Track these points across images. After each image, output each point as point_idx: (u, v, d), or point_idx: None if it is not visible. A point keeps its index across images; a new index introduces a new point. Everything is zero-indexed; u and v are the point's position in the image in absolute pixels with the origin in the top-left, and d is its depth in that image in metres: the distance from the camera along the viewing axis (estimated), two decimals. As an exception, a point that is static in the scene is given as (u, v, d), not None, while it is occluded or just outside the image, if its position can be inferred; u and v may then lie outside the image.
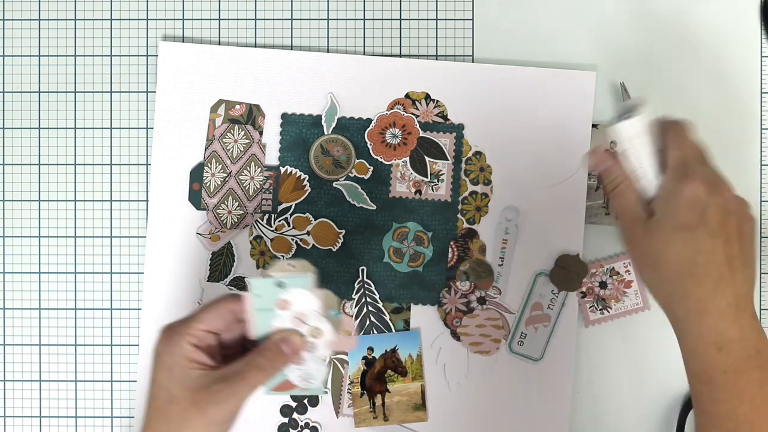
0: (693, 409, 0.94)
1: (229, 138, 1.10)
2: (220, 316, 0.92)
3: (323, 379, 0.94)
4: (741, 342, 0.90)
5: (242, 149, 1.10)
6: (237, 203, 1.10)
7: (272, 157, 1.11)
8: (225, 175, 1.10)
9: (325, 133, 1.10)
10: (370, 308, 1.11)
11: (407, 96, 1.10)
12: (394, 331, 1.11)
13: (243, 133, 1.10)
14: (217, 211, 1.11)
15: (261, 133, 1.10)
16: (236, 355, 0.93)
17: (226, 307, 0.92)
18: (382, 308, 1.11)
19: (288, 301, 0.92)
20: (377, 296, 1.10)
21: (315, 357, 0.93)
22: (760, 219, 1.12)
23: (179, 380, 0.91)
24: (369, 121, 1.11)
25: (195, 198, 1.11)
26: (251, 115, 1.10)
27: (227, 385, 0.90)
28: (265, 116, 1.10)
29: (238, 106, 1.10)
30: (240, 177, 1.10)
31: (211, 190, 1.11)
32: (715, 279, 0.89)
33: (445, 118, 1.10)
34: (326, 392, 1.08)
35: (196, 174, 1.10)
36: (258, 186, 1.10)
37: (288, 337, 0.92)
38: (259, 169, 1.10)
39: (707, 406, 0.92)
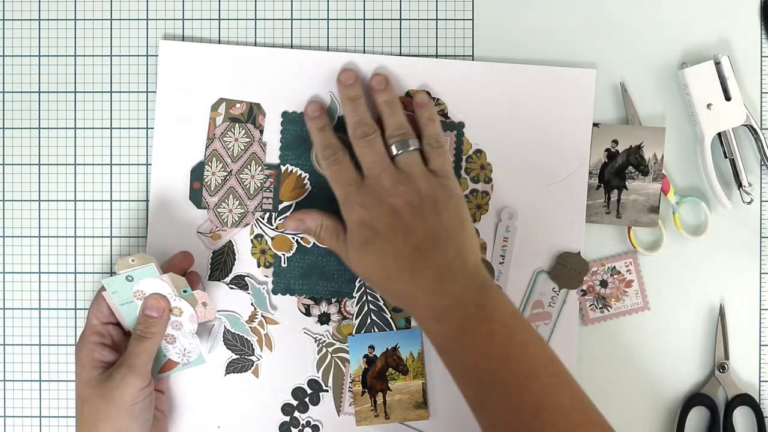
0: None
1: (230, 137, 1.10)
2: (100, 302, 1.04)
3: (198, 351, 1.06)
4: (457, 306, 0.96)
5: (243, 148, 1.10)
6: (238, 202, 1.10)
7: (273, 155, 1.11)
8: (226, 173, 1.10)
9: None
10: (371, 306, 1.11)
11: (407, 94, 1.10)
12: (395, 329, 1.11)
13: (243, 131, 1.10)
14: (218, 209, 1.11)
15: (261, 132, 1.10)
16: None
17: (102, 293, 1.04)
18: (383, 306, 1.11)
19: (142, 290, 1.02)
20: (378, 294, 1.10)
21: (184, 333, 1.05)
22: (760, 219, 1.12)
23: (87, 382, 1.02)
24: (369, 119, 1.11)
25: (196, 197, 1.11)
26: (252, 114, 1.10)
27: (121, 366, 1.01)
28: (266, 115, 1.10)
29: (238, 105, 1.10)
30: (241, 176, 1.10)
31: (212, 189, 1.11)
32: (409, 270, 0.98)
33: (445, 116, 1.10)
34: (205, 363, 1.09)
35: (197, 173, 1.10)
36: (258, 185, 1.10)
37: (148, 302, 1.03)
38: (260, 167, 1.10)
39: (453, 371, 0.98)
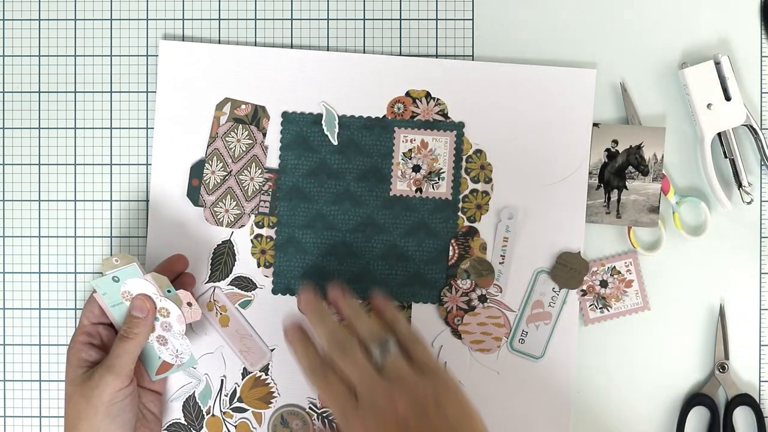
0: None
1: (232, 137, 1.10)
2: (92, 302, 1.05)
3: (189, 352, 1.06)
4: None
5: (244, 149, 1.10)
6: (235, 203, 1.10)
7: (273, 155, 1.11)
8: (225, 173, 1.10)
9: (333, 142, 1.10)
10: None
11: (408, 94, 1.10)
12: None
13: (246, 133, 1.10)
14: (215, 208, 1.11)
15: (264, 135, 1.10)
16: None
17: (94, 294, 1.05)
18: None
19: (129, 291, 1.02)
20: None
21: (174, 334, 1.04)
22: (760, 219, 1.12)
23: (71, 381, 1.02)
24: (369, 119, 1.11)
25: (193, 194, 1.11)
26: (256, 116, 1.10)
27: (101, 367, 1.01)
28: (270, 118, 1.10)
29: (243, 106, 1.10)
30: (240, 177, 1.10)
31: (210, 188, 1.11)
32: None
33: (445, 116, 1.10)
34: (197, 364, 1.11)
35: (197, 170, 1.10)
36: (257, 187, 1.10)
37: (134, 303, 1.03)
38: (260, 170, 1.10)
39: None
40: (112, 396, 1.00)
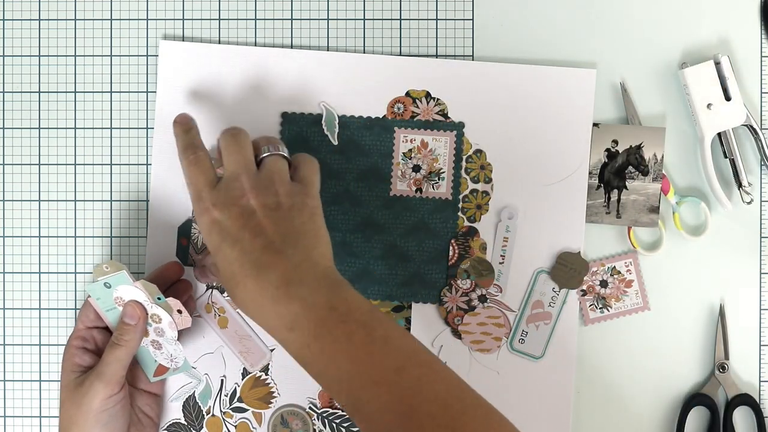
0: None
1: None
2: (87, 307, 1.05)
3: (183, 357, 1.05)
4: (307, 312, 0.91)
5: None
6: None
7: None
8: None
9: (333, 142, 1.10)
10: None
11: (407, 94, 1.10)
12: None
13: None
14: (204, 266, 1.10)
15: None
16: None
17: (89, 299, 1.05)
18: None
19: (121, 297, 1.02)
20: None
21: (167, 339, 1.04)
22: (760, 219, 1.12)
23: (65, 386, 1.03)
24: (369, 119, 1.11)
25: (182, 253, 1.12)
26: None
27: (91, 374, 1.01)
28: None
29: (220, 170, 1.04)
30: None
31: (199, 247, 1.11)
32: (253, 276, 0.92)
33: (445, 116, 1.10)
34: (194, 368, 1.11)
35: (185, 229, 1.10)
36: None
37: (126, 309, 1.02)
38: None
39: (320, 380, 0.93)
40: (102, 403, 1.00)
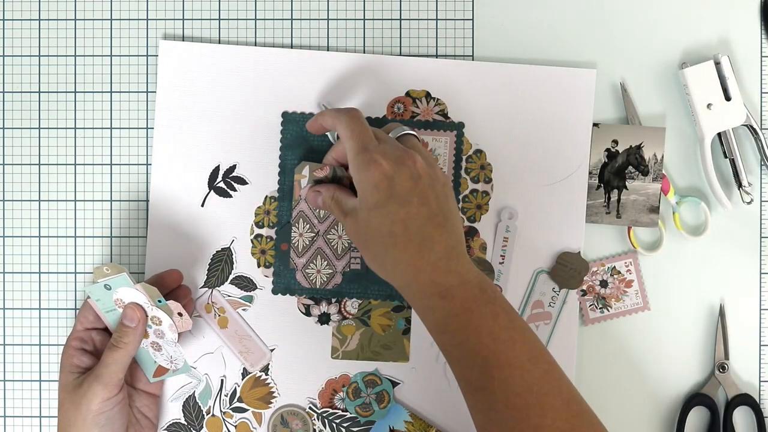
0: (450, 365, 0.97)
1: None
2: (87, 308, 1.05)
3: (183, 360, 1.05)
4: (462, 286, 0.95)
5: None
6: (326, 262, 1.09)
7: (273, 156, 1.11)
8: (313, 234, 1.09)
9: (333, 142, 1.10)
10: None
11: (407, 94, 1.10)
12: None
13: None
14: (306, 270, 1.10)
15: None
16: None
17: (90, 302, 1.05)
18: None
19: (121, 299, 1.02)
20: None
21: (167, 341, 1.04)
22: (760, 219, 1.12)
23: (63, 387, 1.03)
24: (369, 119, 1.11)
25: (284, 258, 1.11)
26: (336, 175, 1.06)
27: (90, 375, 1.01)
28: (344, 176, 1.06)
29: (320, 169, 1.05)
30: (328, 236, 1.09)
31: (300, 250, 1.10)
32: (418, 241, 0.95)
33: (445, 116, 1.10)
34: (194, 368, 1.12)
35: (284, 233, 1.09)
36: (346, 245, 1.10)
37: (125, 312, 1.02)
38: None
39: (454, 352, 0.96)
40: (100, 405, 1.00)
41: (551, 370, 0.94)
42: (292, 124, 1.11)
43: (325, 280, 1.10)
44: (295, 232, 1.09)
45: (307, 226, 1.08)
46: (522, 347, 0.93)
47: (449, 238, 0.96)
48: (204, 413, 1.12)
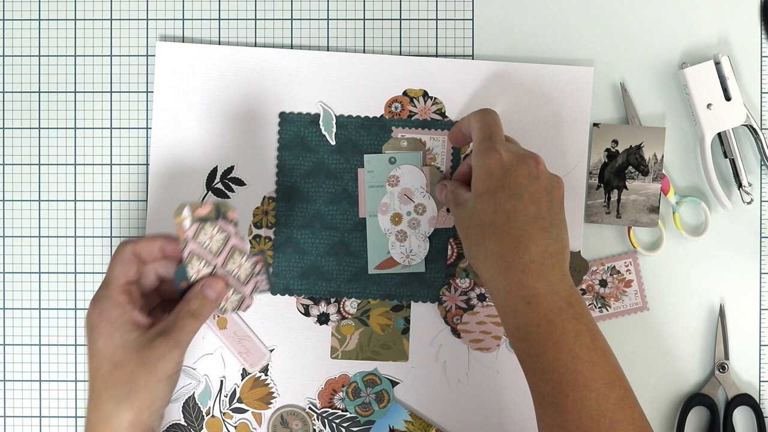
0: (524, 373, 0.96)
1: (204, 235, 1.01)
2: (127, 262, 0.97)
3: (424, 256, 1.05)
4: (550, 296, 0.92)
5: (221, 243, 1.02)
6: (232, 290, 1.03)
7: (270, 156, 1.11)
8: (210, 269, 1.02)
9: (331, 141, 1.10)
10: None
11: (405, 93, 1.11)
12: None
13: (217, 228, 1.01)
14: None
15: (236, 224, 1.02)
16: (158, 307, 1.02)
17: (128, 252, 0.98)
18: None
19: (398, 177, 1.03)
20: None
21: (417, 233, 1.05)
22: (760, 219, 1.12)
23: (121, 345, 0.95)
24: (367, 118, 1.11)
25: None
26: (219, 212, 1.00)
27: (167, 338, 0.95)
28: (236, 209, 1.01)
29: (202, 207, 1.00)
30: (227, 267, 1.02)
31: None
32: (516, 236, 0.93)
33: (443, 115, 1.10)
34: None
35: (180, 274, 1.01)
36: (249, 271, 1.03)
37: (211, 283, 0.98)
38: (244, 256, 1.03)
39: (530, 362, 0.94)
40: (176, 368, 0.96)
41: (627, 397, 0.92)
42: (290, 124, 1.11)
43: (237, 304, 1.03)
44: (191, 270, 1.00)
45: (203, 262, 1.01)
46: (601, 370, 0.91)
47: (550, 244, 0.94)
48: (204, 414, 1.12)
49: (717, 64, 1.09)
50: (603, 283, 1.11)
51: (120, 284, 0.97)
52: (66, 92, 1.13)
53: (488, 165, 0.95)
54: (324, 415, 1.12)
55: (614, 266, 1.11)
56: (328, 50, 1.13)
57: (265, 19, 1.13)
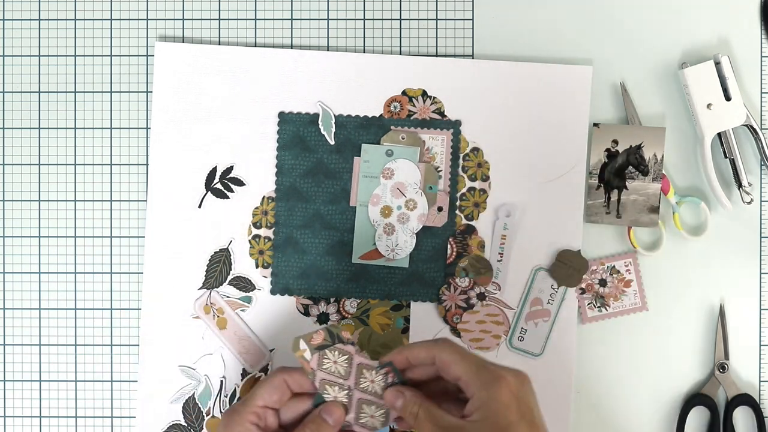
0: None
1: (328, 362, 1.01)
2: (274, 387, 0.98)
3: (409, 251, 1.04)
4: None
5: (346, 365, 1.01)
6: (374, 406, 1.00)
7: (270, 155, 1.11)
8: (346, 390, 1.01)
9: (330, 141, 1.10)
10: None
11: (404, 93, 1.11)
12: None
13: (337, 352, 1.01)
14: (360, 421, 1.01)
15: (353, 344, 1.02)
16: None
17: (279, 378, 0.98)
18: None
19: (393, 170, 1.03)
20: None
21: (405, 228, 1.04)
22: (760, 219, 1.12)
23: None
24: (366, 118, 1.11)
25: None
26: (333, 335, 1.01)
27: None
28: (346, 328, 1.04)
29: (315, 335, 1.01)
30: (361, 386, 1.01)
31: (347, 410, 1.02)
32: None
33: (442, 114, 1.10)
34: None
35: (319, 402, 1.00)
36: (382, 383, 1.01)
37: (330, 408, 0.98)
38: (374, 371, 1.01)
39: None
40: None
41: None
42: (289, 124, 1.11)
43: (384, 419, 1.01)
44: (327, 396, 1.00)
45: (336, 387, 1.00)
46: None
47: None
48: (204, 414, 1.12)
49: (717, 64, 1.09)
50: (603, 283, 1.11)
51: (256, 405, 0.97)
52: (66, 92, 1.13)
53: (502, 397, 0.92)
54: (324, 415, 1.12)
55: (614, 266, 1.11)
56: (327, 50, 1.13)
57: (264, 19, 1.13)
